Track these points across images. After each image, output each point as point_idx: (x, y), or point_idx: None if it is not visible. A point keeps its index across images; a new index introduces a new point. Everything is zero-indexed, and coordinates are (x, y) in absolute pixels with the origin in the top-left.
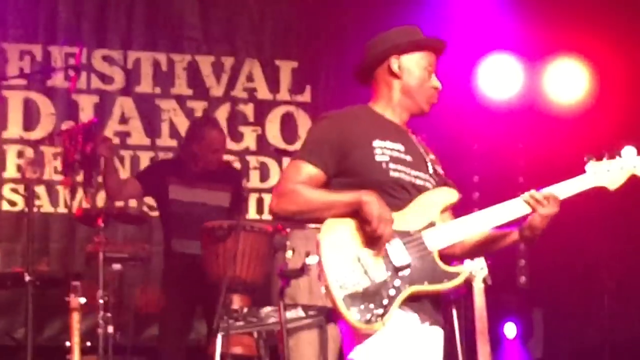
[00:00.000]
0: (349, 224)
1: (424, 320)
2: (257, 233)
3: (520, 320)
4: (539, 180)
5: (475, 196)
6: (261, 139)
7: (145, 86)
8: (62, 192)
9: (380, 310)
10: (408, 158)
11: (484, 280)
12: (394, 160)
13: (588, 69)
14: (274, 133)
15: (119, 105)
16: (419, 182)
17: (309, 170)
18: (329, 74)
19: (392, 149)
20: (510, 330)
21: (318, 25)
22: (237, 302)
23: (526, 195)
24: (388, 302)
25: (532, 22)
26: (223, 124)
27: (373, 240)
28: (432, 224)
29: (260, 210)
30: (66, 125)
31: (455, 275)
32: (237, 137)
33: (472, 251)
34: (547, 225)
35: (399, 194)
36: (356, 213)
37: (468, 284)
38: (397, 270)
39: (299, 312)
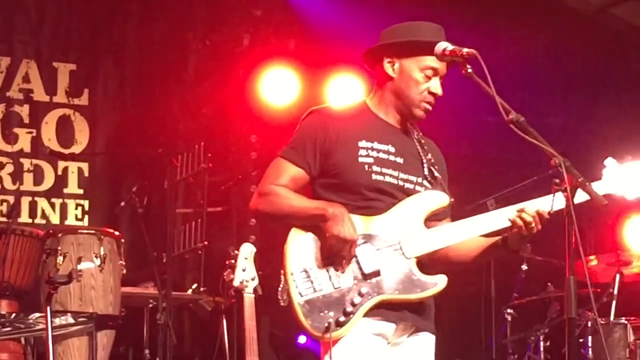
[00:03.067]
0: (317, 233)
1: (405, 330)
2: (27, 237)
3: None
4: None
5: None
6: (36, 142)
7: None
8: None
9: (342, 318)
10: (399, 160)
11: (255, 290)
12: (380, 162)
13: (364, 81)
14: (49, 136)
15: None
16: (408, 185)
17: (291, 170)
18: (107, 77)
19: (379, 150)
20: (302, 339)
21: (98, 28)
22: (4, 307)
23: (513, 212)
24: (352, 310)
25: (312, 37)
26: None
27: (334, 255)
28: (413, 230)
29: (33, 214)
30: None
31: (431, 285)
32: (12, 138)
33: (466, 260)
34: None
35: (382, 198)
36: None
37: (238, 294)
38: (365, 277)
39: (69, 319)
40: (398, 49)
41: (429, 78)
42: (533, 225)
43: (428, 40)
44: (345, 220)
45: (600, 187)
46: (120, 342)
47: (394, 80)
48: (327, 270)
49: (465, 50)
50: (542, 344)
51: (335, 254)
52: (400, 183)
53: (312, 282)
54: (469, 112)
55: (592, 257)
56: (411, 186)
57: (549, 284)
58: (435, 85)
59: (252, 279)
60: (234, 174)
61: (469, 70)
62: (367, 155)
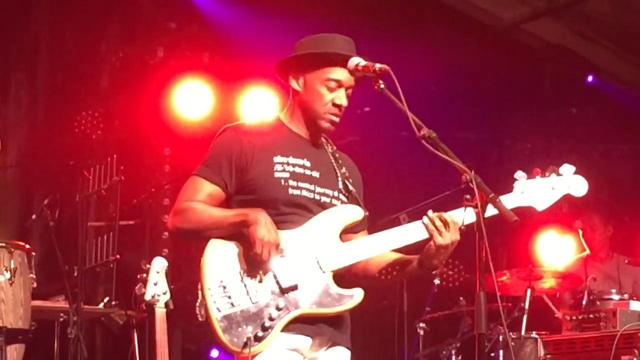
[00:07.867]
0: (235, 243)
1: (322, 344)
2: None
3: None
4: None
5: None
6: None
7: None
8: None
9: (260, 333)
10: (314, 174)
11: (166, 305)
12: (295, 177)
13: (277, 94)
14: None
15: None
16: (324, 199)
17: (207, 187)
18: (19, 88)
19: (294, 165)
20: (214, 353)
21: (10, 38)
22: None
23: (426, 218)
24: (270, 325)
25: (226, 50)
26: None
27: (257, 262)
28: (329, 244)
29: None
30: None
31: (347, 298)
32: None
33: (379, 277)
34: (449, 254)
35: (299, 212)
36: (242, 233)
37: (150, 308)
38: (283, 291)
39: None
40: (301, 63)
41: (332, 90)
42: (449, 233)
43: (328, 52)
44: (267, 223)
45: (510, 200)
46: (30, 356)
47: (300, 94)
48: (245, 285)
49: (377, 65)
50: (454, 358)
51: (259, 258)
52: (317, 197)
53: (229, 297)
54: (382, 127)
55: (504, 272)
56: (328, 200)
57: (461, 298)
58: (340, 96)
59: (164, 293)
60: (147, 187)
61: (382, 86)
62: (283, 170)
